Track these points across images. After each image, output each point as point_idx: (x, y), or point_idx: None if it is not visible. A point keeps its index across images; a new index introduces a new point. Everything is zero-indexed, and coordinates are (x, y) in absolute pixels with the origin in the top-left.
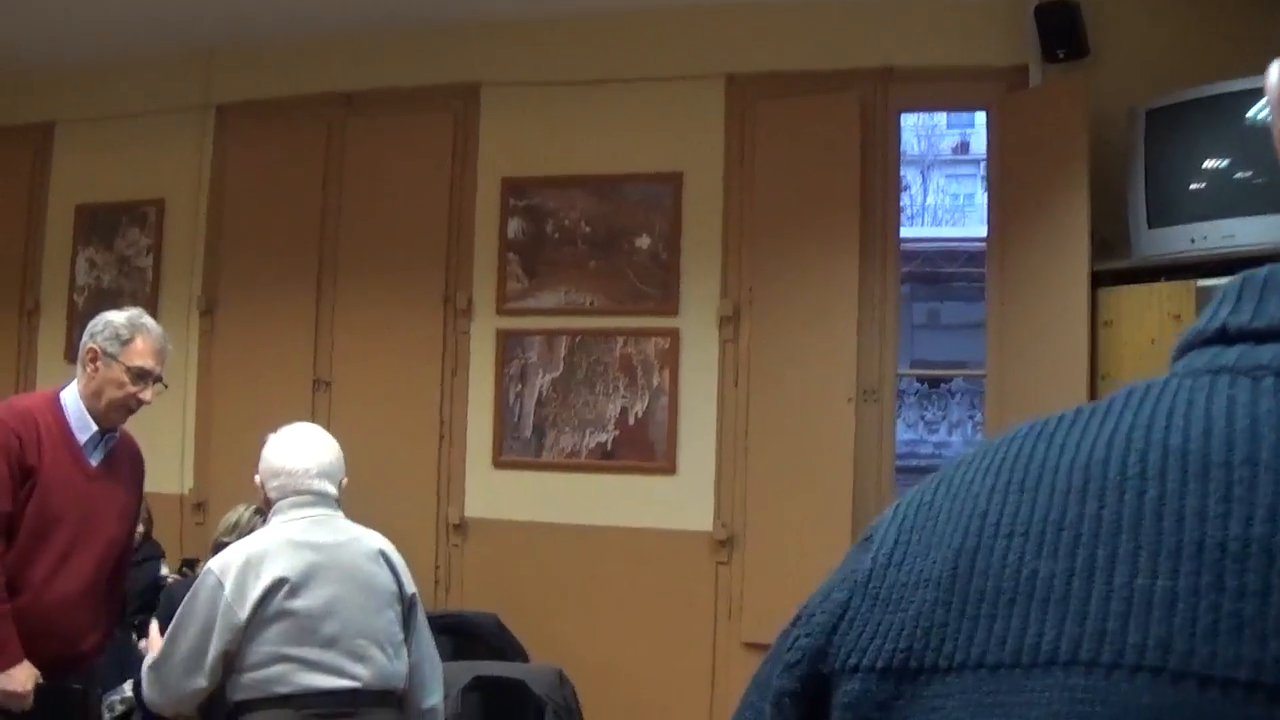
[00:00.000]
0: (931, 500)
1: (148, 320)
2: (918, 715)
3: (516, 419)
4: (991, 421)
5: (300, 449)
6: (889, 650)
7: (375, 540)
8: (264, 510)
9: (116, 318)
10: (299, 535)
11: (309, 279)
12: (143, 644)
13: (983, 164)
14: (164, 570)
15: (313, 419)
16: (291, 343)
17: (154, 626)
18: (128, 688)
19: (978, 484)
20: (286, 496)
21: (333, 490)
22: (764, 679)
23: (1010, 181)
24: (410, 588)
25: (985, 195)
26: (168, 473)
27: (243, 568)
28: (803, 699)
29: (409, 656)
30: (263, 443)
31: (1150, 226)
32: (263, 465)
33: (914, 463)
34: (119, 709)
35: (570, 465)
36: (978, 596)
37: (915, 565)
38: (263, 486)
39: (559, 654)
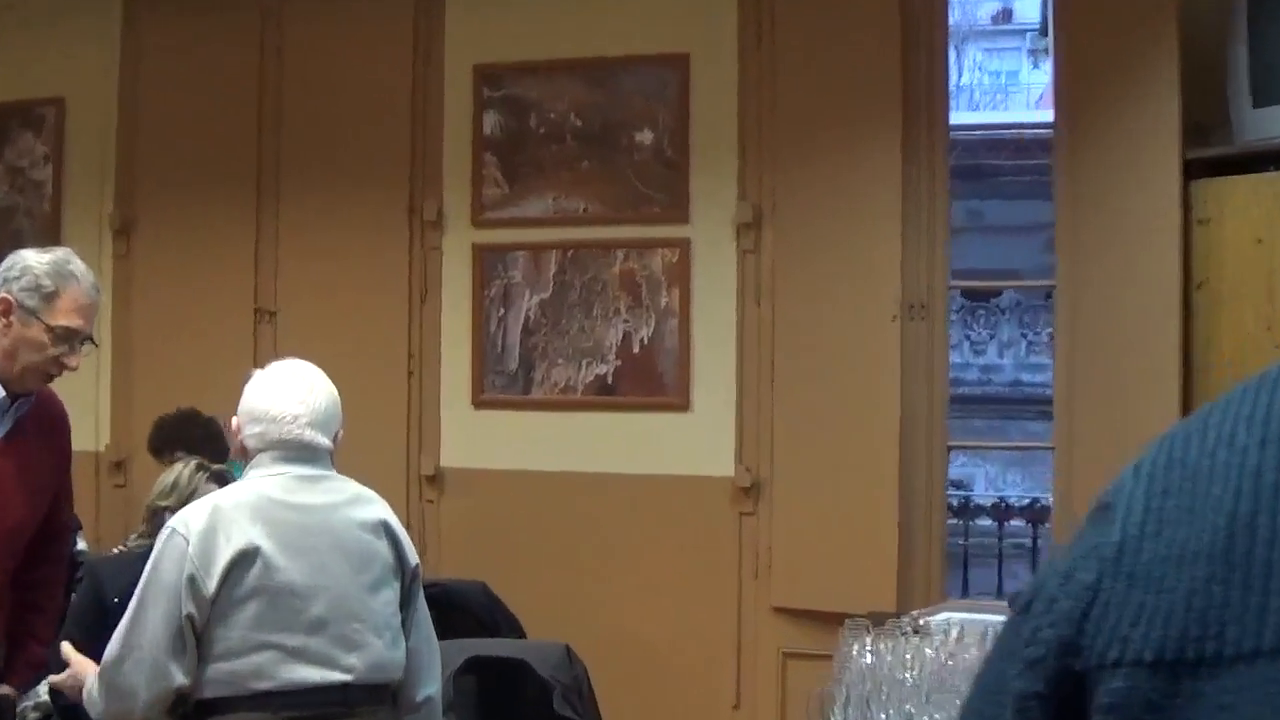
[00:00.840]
0: (1183, 457)
1: (76, 266)
2: (1203, 715)
3: (499, 350)
4: (1062, 340)
5: (288, 390)
6: (1158, 638)
7: (375, 508)
8: (213, 476)
9: (38, 263)
10: (280, 494)
11: (246, 191)
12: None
13: (1030, 35)
14: (80, 544)
15: (255, 356)
16: (227, 266)
17: (66, 650)
18: (43, 690)
19: (1242, 436)
20: (268, 448)
21: (325, 443)
22: (993, 681)
23: (1081, 56)
24: (413, 559)
25: (1034, 72)
26: (80, 426)
27: (209, 526)
28: (1052, 701)
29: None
30: (222, 387)
31: (1255, 106)
32: (241, 408)
33: (961, 390)
34: (31, 716)
35: (564, 403)
36: (1263, 569)
37: (1177, 535)
38: (239, 433)
39: (559, 626)
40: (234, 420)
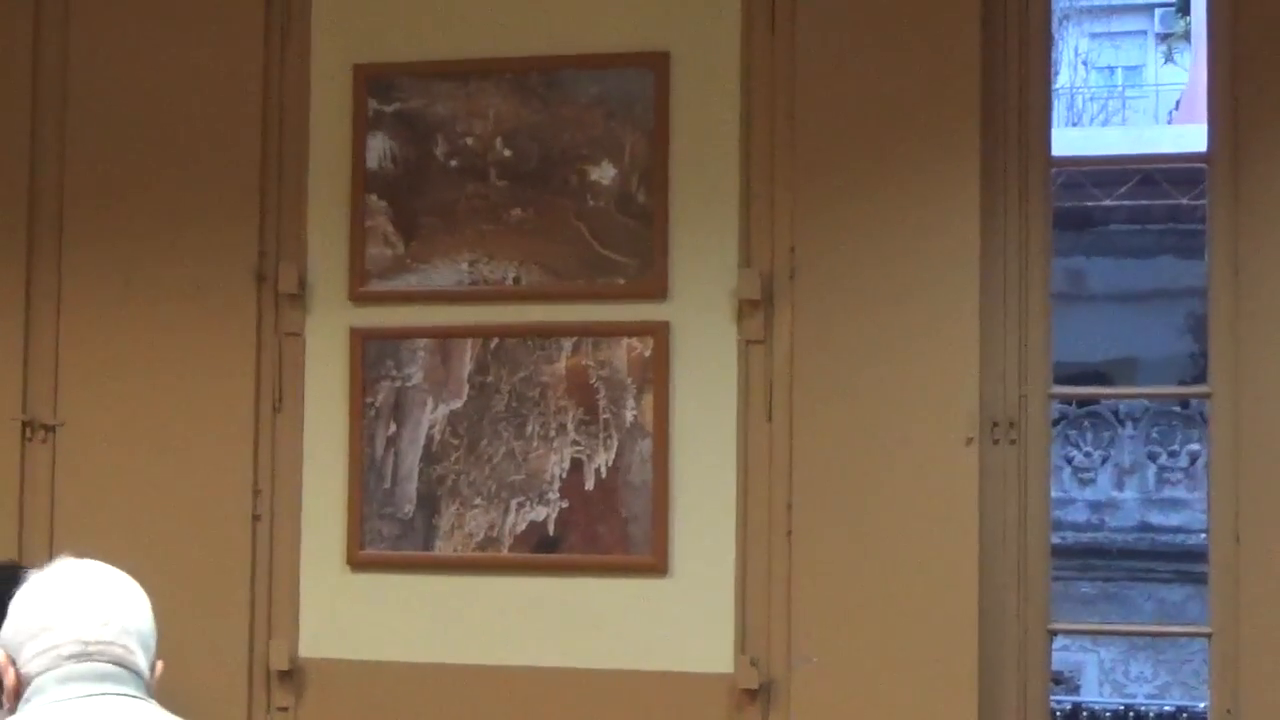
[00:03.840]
0: None
1: None
2: None
3: (388, 485)
4: (1221, 465)
5: (89, 591)
6: None
7: None
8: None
9: None
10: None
11: (10, 246)
12: None
13: (1161, 13)
14: None
15: (20, 492)
16: None
17: None
18: None
19: None
20: (64, 663)
21: (144, 664)
22: None
23: (1251, 43)
24: None
25: (1167, 68)
26: None
27: None
28: None
29: None
30: None
31: None
32: (11, 624)
33: (1062, 538)
34: None
35: (484, 563)
36: None
37: None
38: (8, 665)
39: None
40: (0, 652)
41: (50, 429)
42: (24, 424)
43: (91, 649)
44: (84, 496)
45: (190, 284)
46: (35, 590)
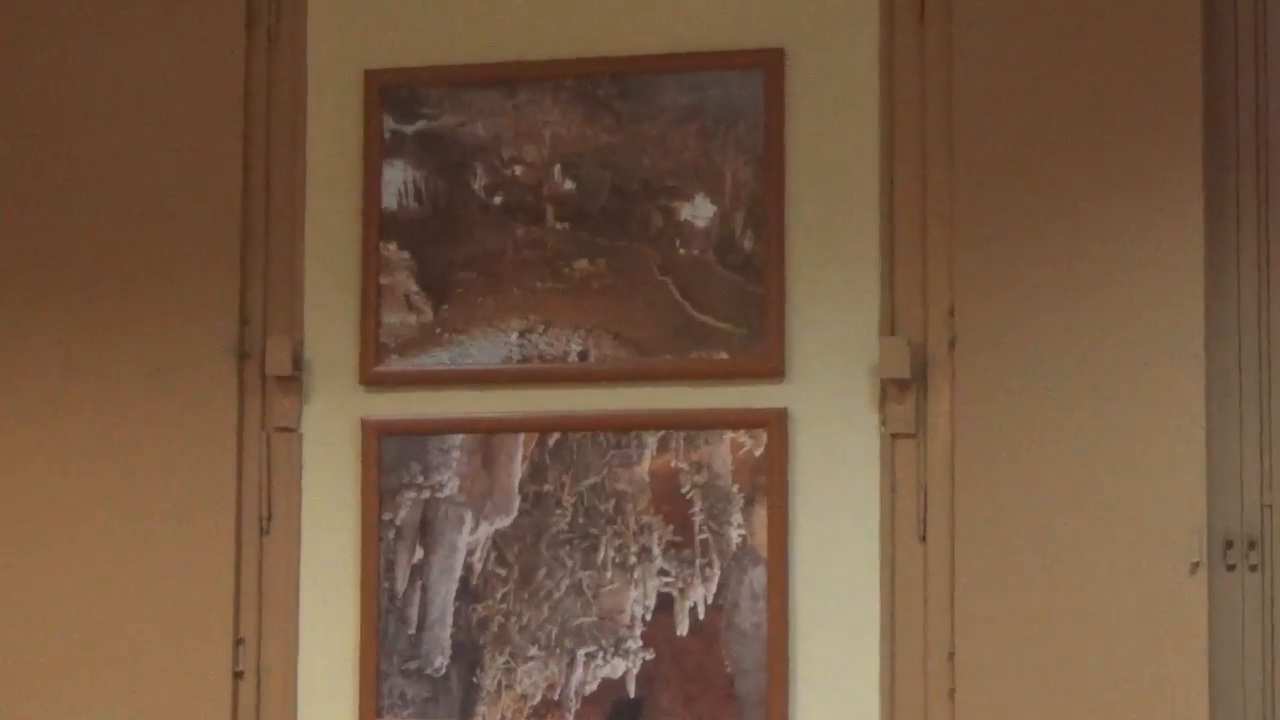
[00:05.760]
0: None
1: None
2: None
3: (414, 630)
4: None
5: None
6: None
7: None
8: None
9: None
10: None
11: None
12: None
13: None
14: None
15: None
16: None
17: None
18: None
19: None
20: None
21: None
22: None
23: None
24: None
25: None
26: None
27: None
28: None
29: None
30: None
31: None
32: None
33: None
34: None
35: None
36: None
37: None
38: None
39: None
40: None
41: None
42: None
43: None
44: (10, 650)
45: (149, 366)
46: None
